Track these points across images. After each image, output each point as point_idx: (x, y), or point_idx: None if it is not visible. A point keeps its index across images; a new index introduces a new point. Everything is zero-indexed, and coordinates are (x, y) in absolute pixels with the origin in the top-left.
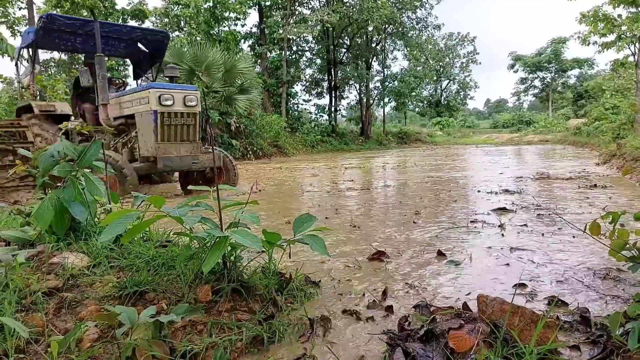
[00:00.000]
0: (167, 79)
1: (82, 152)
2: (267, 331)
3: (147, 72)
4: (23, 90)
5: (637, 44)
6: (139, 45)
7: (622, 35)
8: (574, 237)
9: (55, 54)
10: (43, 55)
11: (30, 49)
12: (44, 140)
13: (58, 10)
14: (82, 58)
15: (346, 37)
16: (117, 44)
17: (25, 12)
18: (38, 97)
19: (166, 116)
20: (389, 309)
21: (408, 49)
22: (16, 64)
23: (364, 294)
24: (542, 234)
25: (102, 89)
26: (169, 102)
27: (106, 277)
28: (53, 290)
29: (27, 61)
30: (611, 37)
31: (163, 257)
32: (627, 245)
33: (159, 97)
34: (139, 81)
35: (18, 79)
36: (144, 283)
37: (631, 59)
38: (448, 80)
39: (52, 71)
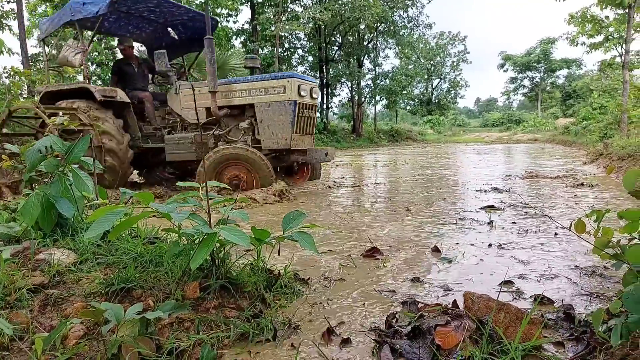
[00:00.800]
0: (248, 70)
1: (70, 147)
2: (255, 328)
3: (171, 60)
4: (66, 71)
5: (624, 45)
6: (170, 30)
7: (610, 37)
8: (556, 235)
9: (45, 48)
10: (31, 49)
11: (78, 24)
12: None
13: (47, 4)
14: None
15: (338, 35)
16: (144, 27)
17: (14, 5)
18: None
19: (301, 107)
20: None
21: (399, 47)
22: (43, 41)
23: (354, 293)
24: (530, 232)
25: (213, 75)
26: (304, 93)
27: (93, 273)
28: (38, 287)
29: (74, 38)
30: (599, 38)
31: (151, 253)
32: (611, 243)
33: (299, 87)
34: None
35: (45, 60)
36: (131, 280)
37: (618, 59)
38: (439, 79)
39: (40, 65)
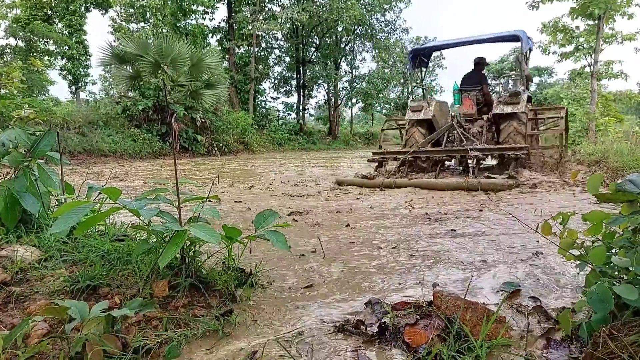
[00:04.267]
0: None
1: (35, 141)
2: (225, 326)
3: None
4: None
5: (593, 55)
6: None
7: (580, 47)
8: (530, 235)
9: (12, 40)
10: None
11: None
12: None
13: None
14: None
15: (315, 36)
16: None
17: None
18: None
19: None
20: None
21: (376, 50)
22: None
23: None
24: (502, 234)
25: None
26: None
27: (58, 271)
28: (0, 284)
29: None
30: (570, 48)
31: (119, 251)
32: (575, 245)
33: None
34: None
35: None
36: (98, 277)
37: (587, 69)
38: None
39: (8, 58)
